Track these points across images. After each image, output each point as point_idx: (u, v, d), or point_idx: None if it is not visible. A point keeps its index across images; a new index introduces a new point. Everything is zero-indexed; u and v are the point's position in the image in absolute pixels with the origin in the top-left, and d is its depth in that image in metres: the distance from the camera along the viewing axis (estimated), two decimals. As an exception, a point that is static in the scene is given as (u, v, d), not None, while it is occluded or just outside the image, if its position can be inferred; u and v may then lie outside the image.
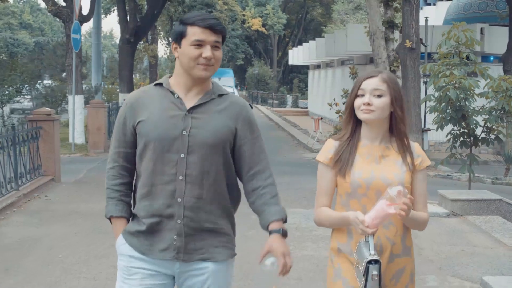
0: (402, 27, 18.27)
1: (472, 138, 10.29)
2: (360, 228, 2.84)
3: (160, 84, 3.05)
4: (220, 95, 3.06)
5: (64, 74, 26.91)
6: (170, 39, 53.32)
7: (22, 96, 21.17)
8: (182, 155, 2.93)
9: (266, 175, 3.09)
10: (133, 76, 31.40)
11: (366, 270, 2.79)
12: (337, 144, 3.11)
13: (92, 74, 30.72)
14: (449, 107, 9.94)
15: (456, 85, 9.79)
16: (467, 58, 10.32)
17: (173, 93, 3.00)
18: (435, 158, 15.65)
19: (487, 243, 7.70)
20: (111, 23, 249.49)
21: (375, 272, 2.77)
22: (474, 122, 10.05)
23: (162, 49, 54.50)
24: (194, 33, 2.90)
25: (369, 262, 2.78)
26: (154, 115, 2.96)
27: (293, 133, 25.16)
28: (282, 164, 15.53)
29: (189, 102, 2.98)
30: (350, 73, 21.28)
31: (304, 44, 44.52)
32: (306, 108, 43.42)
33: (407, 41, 17.26)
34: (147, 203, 2.97)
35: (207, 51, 2.91)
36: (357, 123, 3.09)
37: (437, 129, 10.58)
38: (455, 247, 7.45)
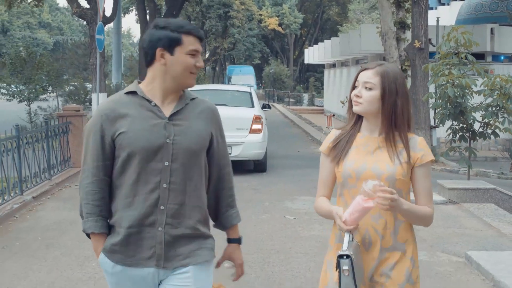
0: (411, 27, 18.97)
1: (470, 132, 11.07)
2: (337, 223, 2.88)
3: (133, 92, 3.00)
4: (192, 99, 3.08)
5: (85, 73, 27.82)
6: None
7: (48, 94, 22.13)
8: (167, 163, 2.93)
9: (231, 178, 3.21)
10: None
11: (338, 265, 2.81)
12: (338, 132, 3.15)
13: (113, 73, 31.76)
14: (448, 104, 10.72)
15: (455, 83, 10.55)
16: (466, 58, 11.04)
17: (149, 101, 2.97)
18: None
19: (477, 226, 8.49)
20: (128, 22, 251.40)
21: (345, 267, 2.78)
22: (472, 118, 10.83)
23: None
24: (191, 42, 2.93)
25: (340, 256, 2.79)
26: (136, 125, 2.93)
27: (307, 130, 25.94)
28: (296, 158, 16.40)
29: (166, 109, 2.98)
30: (362, 72, 21.92)
31: (319, 43, 45.15)
32: (322, 106, 43.99)
33: (416, 41, 17.93)
34: (129, 213, 2.95)
35: (200, 61, 2.98)
36: (359, 114, 3.11)
37: (438, 125, 11.33)
38: (447, 229, 8.24)
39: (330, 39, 40.42)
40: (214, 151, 3.10)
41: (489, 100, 10.80)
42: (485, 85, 10.67)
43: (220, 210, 3.17)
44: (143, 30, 28.09)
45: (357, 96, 2.99)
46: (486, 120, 10.87)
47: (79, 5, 20.41)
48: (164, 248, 2.94)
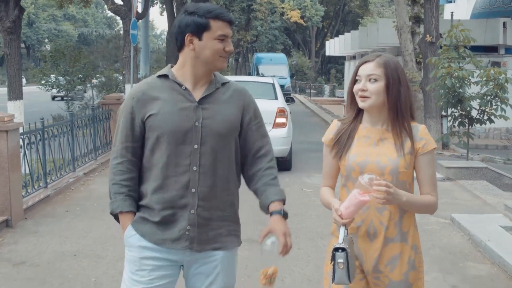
0: (424, 22, 20.20)
1: (468, 119, 12.41)
2: (333, 216, 2.89)
3: (165, 76, 3.04)
4: (223, 84, 3.10)
5: (117, 65, 29.34)
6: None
7: (84, 85, 23.73)
8: (196, 146, 2.95)
9: (269, 159, 3.17)
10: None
11: (333, 258, 2.82)
12: (340, 124, 3.15)
13: (141, 65, 33.27)
14: (448, 93, 12.07)
15: (454, 75, 11.90)
16: (465, 52, 12.36)
17: (180, 85, 3.00)
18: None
19: (467, 198, 9.86)
20: (151, 14, 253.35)
21: (340, 260, 2.78)
22: (469, 106, 12.17)
23: None
24: (219, 27, 2.92)
25: (336, 249, 2.80)
26: (166, 108, 2.95)
27: (326, 119, 27.30)
28: (314, 143, 17.80)
29: (197, 93, 3.00)
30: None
31: (340, 36, 46.24)
32: (342, 97, 45.04)
33: (428, 35, 19.15)
34: (160, 195, 2.97)
35: (229, 45, 2.98)
36: (359, 107, 3.09)
37: (446, 113, 12.63)
38: (441, 200, 9.55)
39: (351, 31, 41.58)
40: (247, 133, 3.12)
41: (485, 90, 12.12)
42: (481, 76, 11.99)
43: (259, 189, 3.14)
44: (170, 24, 29.41)
45: (363, 90, 2.97)
46: (483, 108, 12.20)
47: (113, 2, 21.95)
48: (197, 230, 2.98)
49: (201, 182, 2.96)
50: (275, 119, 12.23)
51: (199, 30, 2.91)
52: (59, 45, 23.42)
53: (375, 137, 3.03)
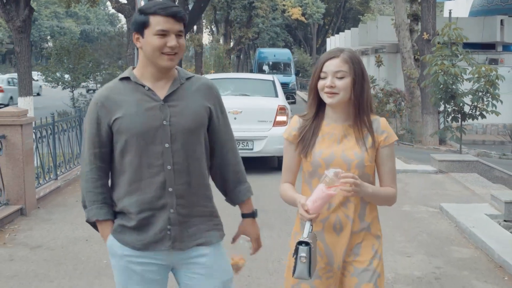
0: (421, 21, 20.67)
1: (461, 114, 12.89)
2: (300, 212, 2.91)
3: (127, 78, 2.99)
4: (188, 78, 3.06)
5: (120, 62, 29.84)
6: (213, 28, 55.97)
7: (89, 81, 24.24)
8: (167, 145, 2.92)
9: (236, 153, 3.19)
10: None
11: (296, 252, 2.83)
12: (302, 122, 3.14)
13: (136, 62, 33.78)
14: (441, 90, 12.57)
15: (447, 72, 12.38)
16: (458, 49, 12.85)
17: (143, 86, 2.95)
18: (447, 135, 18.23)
19: (458, 189, 10.34)
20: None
21: (303, 254, 2.80)
22: (461, 101, 12.66)
23: (206, 38, 55.66)
24: (157, 22, 2.86)
25: (300, 243, 2.82)
26: (131, 110, 2.91)
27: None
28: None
29: (161, 92, 2.96)
30: (376, 61, 23.62)
31: (341, 33, 46.78)
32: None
33: (425, 33, 19.62)
34: (136, 198, 2.94)
35: (172, 40, 2.88)
36: (320, 103, 3.09)
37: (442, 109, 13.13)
38: (432, 191, 10.10)
39: (351, 29, 42.02)
40: (215, 127, 3.09)
41: (476, 86, 12.62)
42: (472, 73, 12.47)
43: (228, 186, 3.19)
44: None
45: (331, 87, 2.96)
46: (475, 103, 12.69)
47: (117, 1, 22.46)
48: (178, 228, 2.96)
49: (177, 180, 2.94)
50: (275, 117, 11.74)
51: (140, 27, 2.90)
52: (64, 43, 23.89)
53: (339, 133, 3.06)
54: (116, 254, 3.03)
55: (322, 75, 2.99)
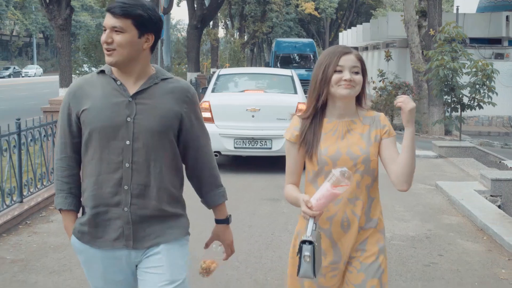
0: (427, 17, 21.81)
1: (460, 105, 14.16)
2: (302, 209, 2.86)
3: (103, 71, 2.97)
4: (164, 79, 2.99)
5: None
6: (227, 22, 57.14)
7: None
8: (128, 142, 2.87)
9: (210, 158, 3.13)
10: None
11: (300, 250, 2.81)
12: (302, 122, 3.12)
13: (163, 56, 35.19)
14: (441, 83, 13.84)
15: (447, 66, 13.64)
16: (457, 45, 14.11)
17: (115, 80, 2.91)
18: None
19: (454, 171, 11.63)
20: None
21: (307, 253, 2.78)
22: (460, 93, 13.93)
23: (220, 32, 56.54)
24: (105, 19, 2.86)
25: (303, 242, 2.80)
26: (97, 103, 2.88)
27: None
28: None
29: (132, 88, 2.91)
30: (385, 56, 24.69)
31: (353, 28, 47.78)
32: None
33: (431, 29, 20.75)
34: (94, 192, 2.91)
35: (103, 35, 2.86)
36: (321, 100, 3.07)
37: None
38: (431, 173, 11.39)
39: (365, 22, 42.97)
40: (187, 132, 3.02)
41: (473, 79, 13.88)
42: (470, 67, 13.72)
43: (202, 190, 3.15)
44: (191, 17, 31.11)
45: (350, 80, 2.99)
46: (473, 95, 13.95)
47: (141, -1, 23.91)
48: (132, 228, 2.91)
49: (134, 179, 2.88)
50: None
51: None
52: (91, 38, 25.27)
53: (342, 129, 3.06)
54: (79, 250, 3.03)
55: (338, 68, 3.01)
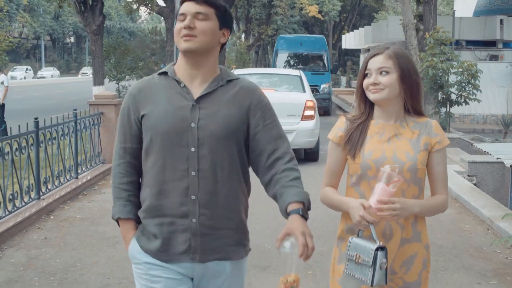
0: (424, 21, 23.45)
1: (448, 101, 15.91)
2: (361, 214, 2.69)
3: (165, 73, 2.80)
4: (229, 81, 2.81)
5: (154, 57, 32.99)
6: (233, 25, 58.69)
7: (132, 76, 27.44)
8: (193, 149, 2.69)
9: (285, 160, 2.79)
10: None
11: (375, 259, 2.64)
12: (349, 123, 2.97)
13: (175, 58, 36.86)
14: (431, 82, 15.61)
15: (436, 67, 15.38)
16: (445, 48, 15.86)
17: (178, 82, 2.75)
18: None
19: (440, 157, 13.29)
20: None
21: (384, 260, 2.65)
22: (448, 91, 15.69)
23: None
24: (181, 7, 2.74)
25: (377, 249, 2.65)
26: (159, 108, 2.71)
27: (339, 104, 30.88)
28: (328, 124, 21.23)
29: (196, 91, 2.74)
30: (385, 57, 26.33)
31: (355, 30, 49.14)
32: (357, 87, 47.79)
33: (427, 33, 22.39)
34: (158, 202, 2.73)
35: (185, 21, 2.69)
36: (370, 102, 2.95)
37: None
38: (419, 158, 13.03)
39: (368, 25, 44.41)
40: (255, 137, 2.81)
41: (459, 78, 15.65)
42: (457, 68, 15.47)
43: (276, 194, 2.77)
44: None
45: (375, 84, 2.85)
46: (460, 92, 15.69)
47: (157, 4, 25.75)
48: (200, 240, 2.74)
49: (201, 188, 2.70)
50: (303, 112, 12.26)
51: (176, 16, 2.80)
52: (111, 41, 27.06)
53: (389, 133, 2.90)
54: (137, 260, 2.84)
55: (367, 72, 2.90)
